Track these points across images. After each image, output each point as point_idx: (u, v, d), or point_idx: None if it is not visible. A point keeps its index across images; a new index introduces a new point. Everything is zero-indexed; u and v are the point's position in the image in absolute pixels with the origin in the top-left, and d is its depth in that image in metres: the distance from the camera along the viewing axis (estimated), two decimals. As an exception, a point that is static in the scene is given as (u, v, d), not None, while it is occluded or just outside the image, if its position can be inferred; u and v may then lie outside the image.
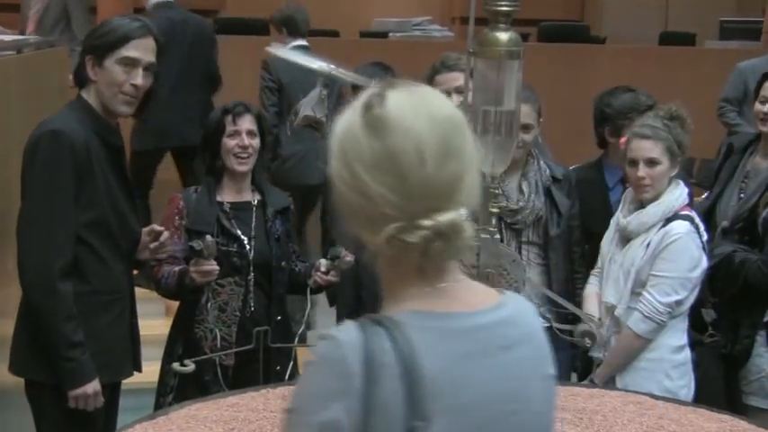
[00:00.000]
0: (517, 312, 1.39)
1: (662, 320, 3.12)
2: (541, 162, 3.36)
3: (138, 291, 3.09)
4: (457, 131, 1.33)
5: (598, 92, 3.91)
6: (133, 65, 2.75)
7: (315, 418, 1.26)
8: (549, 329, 2.21)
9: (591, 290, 3.35)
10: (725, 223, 3.64)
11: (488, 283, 1.98)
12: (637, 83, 4.02)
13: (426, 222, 1.28)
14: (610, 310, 3.22)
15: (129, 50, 2.75)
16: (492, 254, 2.00)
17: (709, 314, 3.50)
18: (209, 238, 3.05)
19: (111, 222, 2.79)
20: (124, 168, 2.88)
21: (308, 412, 1.28)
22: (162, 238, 2.94)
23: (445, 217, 1.28)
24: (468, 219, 1.31)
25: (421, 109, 1.31)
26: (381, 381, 1.24)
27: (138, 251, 2.95)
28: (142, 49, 2.77)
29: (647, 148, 3.18)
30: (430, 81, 3.60)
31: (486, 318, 1.35)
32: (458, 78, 3.45)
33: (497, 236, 2.01)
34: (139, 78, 2.76)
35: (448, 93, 3.53)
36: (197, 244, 3.02)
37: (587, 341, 2.15)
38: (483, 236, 2.00)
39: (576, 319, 2.57)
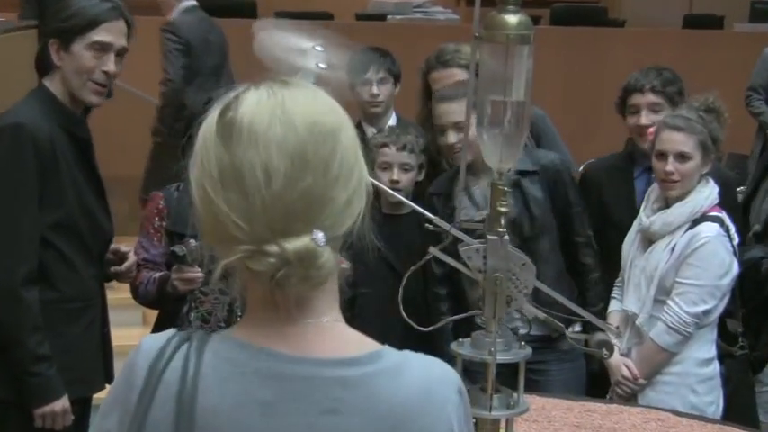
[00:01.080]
0: (381, 378, 1.22)
1: (688, 332, 3.09)
2: None
3: (114, 298, 3.06)
4: (323, 141, 1.21)
5: (615, 80, 3.87)
6: (104, 50, 2.73)
7: (101, 423, 1.27)
8: (563, 337, 2.19)
9: (614, 306, 3.29)
10: (757, 227, 3.61)
11: (497, 288, 1.97)
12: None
13: (272, 249, 1.17)
14: (630, 318, 3.19)
15: (100, 34, 2.72)
16: (500, 257, 1.98)
17: (732, 324, 3.46)
18: (192, 242, 3.03)
19: (79, 223, 2.77)
20: (93, 163, 2.86)
21: (100, 416, 1.28)
22: (124, 267, 2.92)
23: (293, 244, 1.17)
24: (327, 244, 1.19)
25: (277, 114, 1.20)
26: (156, 399, 1.22)
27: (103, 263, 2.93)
28: (114, 33, 2.74)
29: (679, 141, 3.13)
30: (424, 77, 3.57)
31: (318, 370, 1.21)
32: (455, 75, 3.40)
33: (506, 237, 1.99)
34: (111, 65, 2.74)
35: None
36: (180, 249, 3.00)
37: (605, 352, 2.12)
38: (491, 237, 1.98)
39: (587, 325, 2.56)
